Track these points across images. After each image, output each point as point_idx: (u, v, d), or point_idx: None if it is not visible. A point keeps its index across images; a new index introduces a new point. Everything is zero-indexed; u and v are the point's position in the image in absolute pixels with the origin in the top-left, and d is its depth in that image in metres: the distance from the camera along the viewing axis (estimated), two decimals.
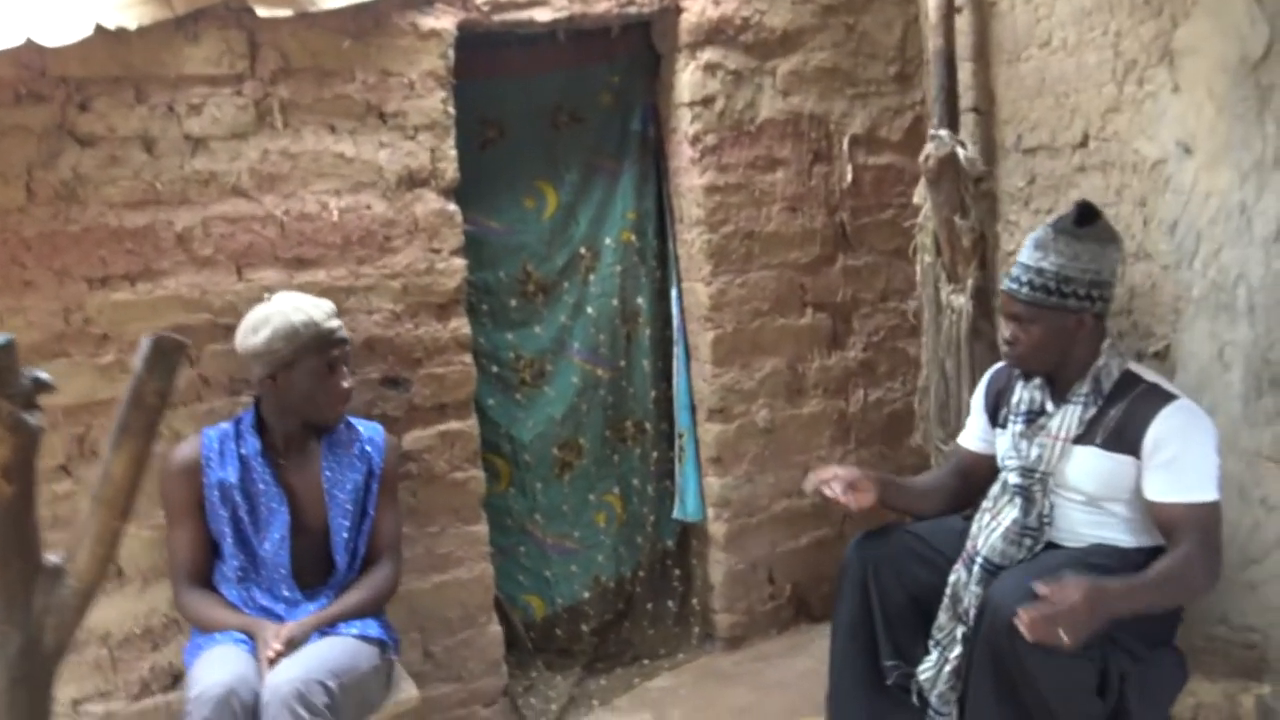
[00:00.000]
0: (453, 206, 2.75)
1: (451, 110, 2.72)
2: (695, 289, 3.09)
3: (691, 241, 3.07)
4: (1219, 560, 2.11)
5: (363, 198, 2.66)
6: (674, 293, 3.13)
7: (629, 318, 3.14)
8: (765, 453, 3.18)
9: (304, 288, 2.59)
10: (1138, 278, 2.62)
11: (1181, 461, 2.10)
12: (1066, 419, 2.24)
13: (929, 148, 2.62)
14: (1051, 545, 2.24)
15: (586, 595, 3.16)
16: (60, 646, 1.67)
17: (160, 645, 2.57)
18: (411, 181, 2.70)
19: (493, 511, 3.03)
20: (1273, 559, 2.39)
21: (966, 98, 3.00)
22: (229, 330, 2.51)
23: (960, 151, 2.63)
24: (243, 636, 2.28)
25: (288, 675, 2.07)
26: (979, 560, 2.23)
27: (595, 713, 2.93)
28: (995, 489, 2.33)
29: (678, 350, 3.13)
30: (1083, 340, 2.23)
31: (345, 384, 2.43)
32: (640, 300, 3.14)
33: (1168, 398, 2.16)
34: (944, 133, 2.64)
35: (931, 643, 2.30)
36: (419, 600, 2.82)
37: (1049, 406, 2.27)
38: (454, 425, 2.82)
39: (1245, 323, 2.38)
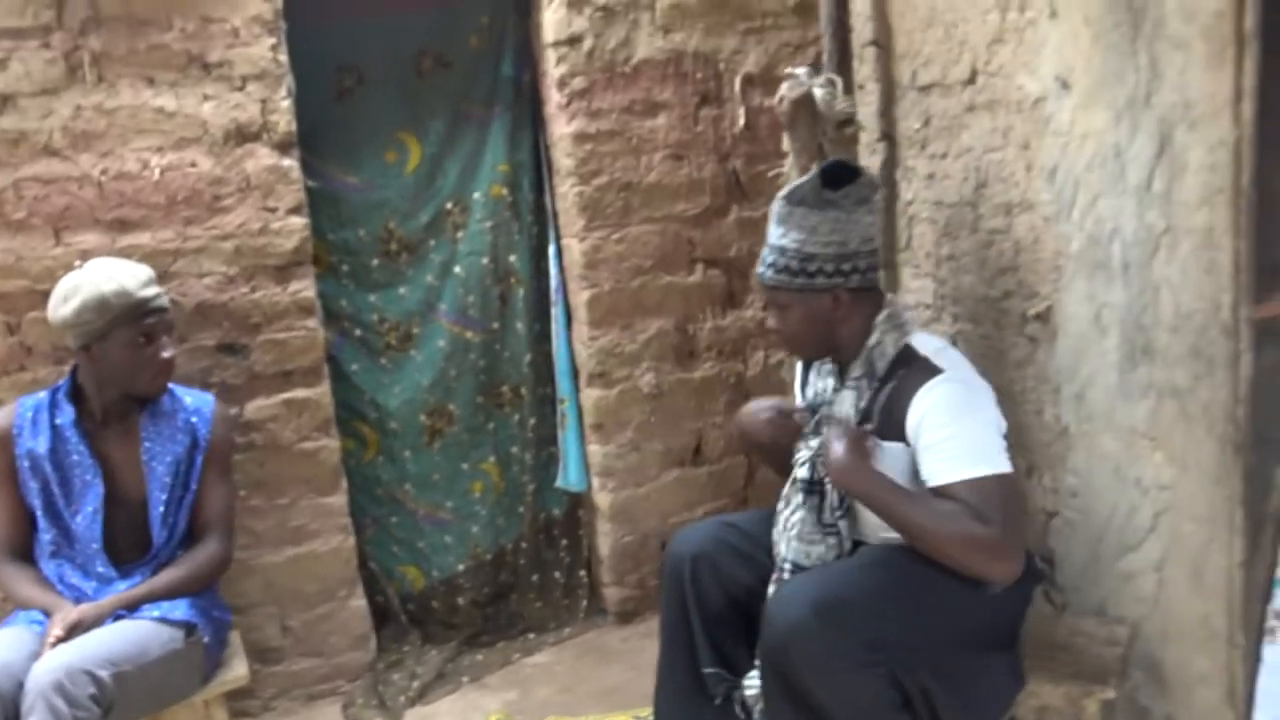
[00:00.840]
0: (289, 162, 2.60)
1: (283, 58, 2.56)
2: (570, 245, 2.90)
3: (565, 195, 2.88)
4: (1014, 539, 1.84)
5: (187, 155, 2.53)
6: (551, 250, 2.94)
7: (502, 277, 2.98)
8: (652, 420, 3.00)
9: (127, 251, 2.48)
10: (1021, 230, 2.35)
11: (950, 439, 1.86)
12: (844, 407, 2.01)
13: (782, 88, 2.37)
14: (860, 544, 2.02)
15: (462, 568, 3.05)
16: None
17: None
18: (241, 136, 2.56)
19: (363, 480, 2.95)
20: (1149, 545, 2.14)
21: (866, 30, 2.72)
22: (48, 297, 2.41)
23: (817, 92, 2.37)
24: (41, 617, 2.21)
25: (52, 664, 1.98)
26: (786, 566, 2.03)
27: (463, 690, 2.82)
28: (787, 487, 2.11)
29: (556, 311, 2.95)
30: (846, 319, 1.99)
31: (165, 354, 2.32)
32: (514, 259, 2.97)
33: (932, 372, 1.91)
34: (800, 71, 2.38)
35: (758, 657, 2.11)
36: (273, 574, 2.74)
37: (831, 393, 2.05)
38: (301, 393, 2.70)
39: (1120, 283, 2.11)
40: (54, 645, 2.07)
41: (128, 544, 2.36)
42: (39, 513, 2.32)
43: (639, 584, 3.07)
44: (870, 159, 2.80)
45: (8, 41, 2.39)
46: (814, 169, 2.04)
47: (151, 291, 2.31)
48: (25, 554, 2.35)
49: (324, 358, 2.73)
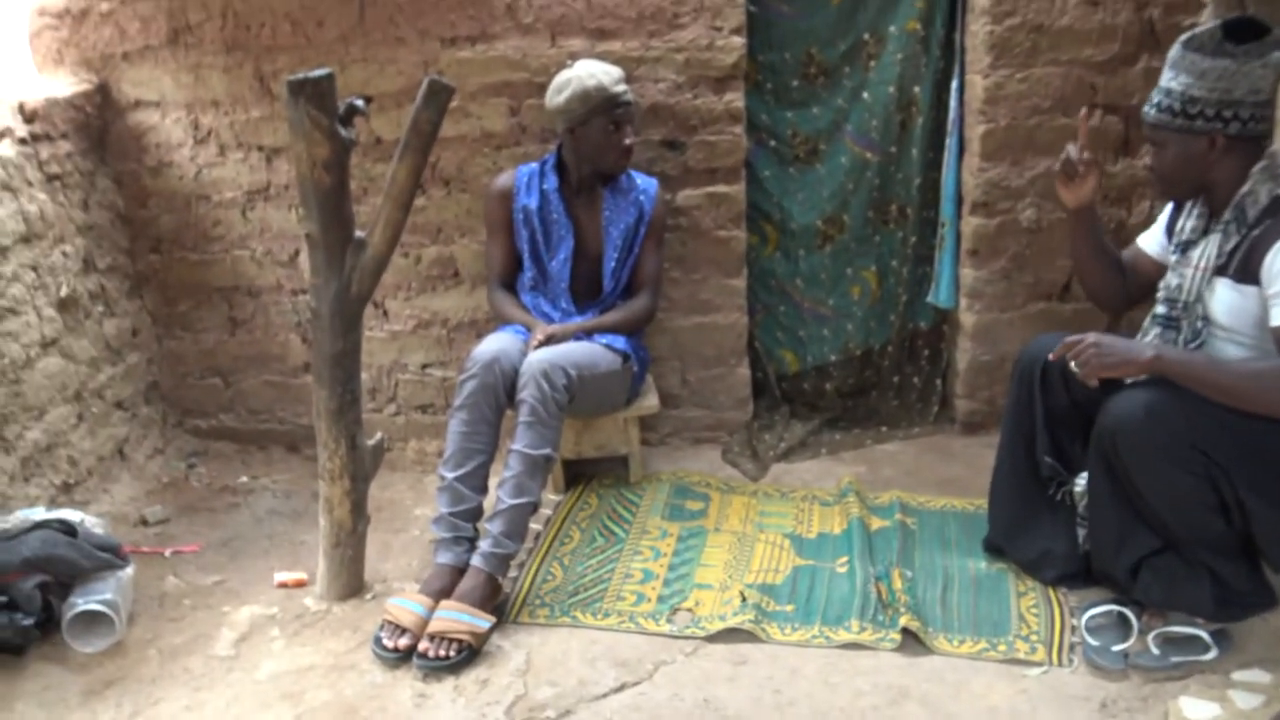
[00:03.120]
0: None
1: None
2: (974, 81, 3.12)
3: (976, 32, 3.08)
4: None
5: None
6: (954, 85, 3.18)
7: (905, 106, 3.25)
8: (1026, 251, 3.21)
9: (603, 55, 3.05)
10: None
11: None
12: (1208, 249, 2.14)
13: None
14: None
15: (833, 359, 3.50)
16: (362, 295, 2.39)
17: (483, 333, 3.30)
18: None
19: (760, 272, 3.43)
20: None
21: None
22: (542, 88, 3.06)
23: None
24: (522, 329, 2.94)
25: (541, 357, 2.67)
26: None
27: (820, 458, 3.31)
28: (1147, 319, 2.30)
29: (950, 142, 3.20)
30: (1221, 165, 2.09)
31: (627, 141, 2.90)
32: (918, 89, 3.23)
33: None
34: None
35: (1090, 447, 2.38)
36: (680, 335, 3.34)
37: (1200, 236, 2.18)
38: (722, 189, 3.21)
39: None
40: (535, 349, 2.77)
41: (586, 288, 3.03)
42: (525, 255, 3.03)
43: (989, 400, 3.36)
44: None
45: None
46: (1214, 21, 2.13)
47: (622, 89, 2.87)
48: (511, 286, 3.09)
49: (743, 161, 3.21)
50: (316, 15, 3.10)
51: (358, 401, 2.44)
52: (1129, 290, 2.48)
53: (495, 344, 2.73)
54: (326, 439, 2.44)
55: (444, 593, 2.41)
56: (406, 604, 2.36)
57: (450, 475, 2.56)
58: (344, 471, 2.45)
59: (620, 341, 2.92)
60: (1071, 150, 2.40)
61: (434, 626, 2.30)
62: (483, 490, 2.60)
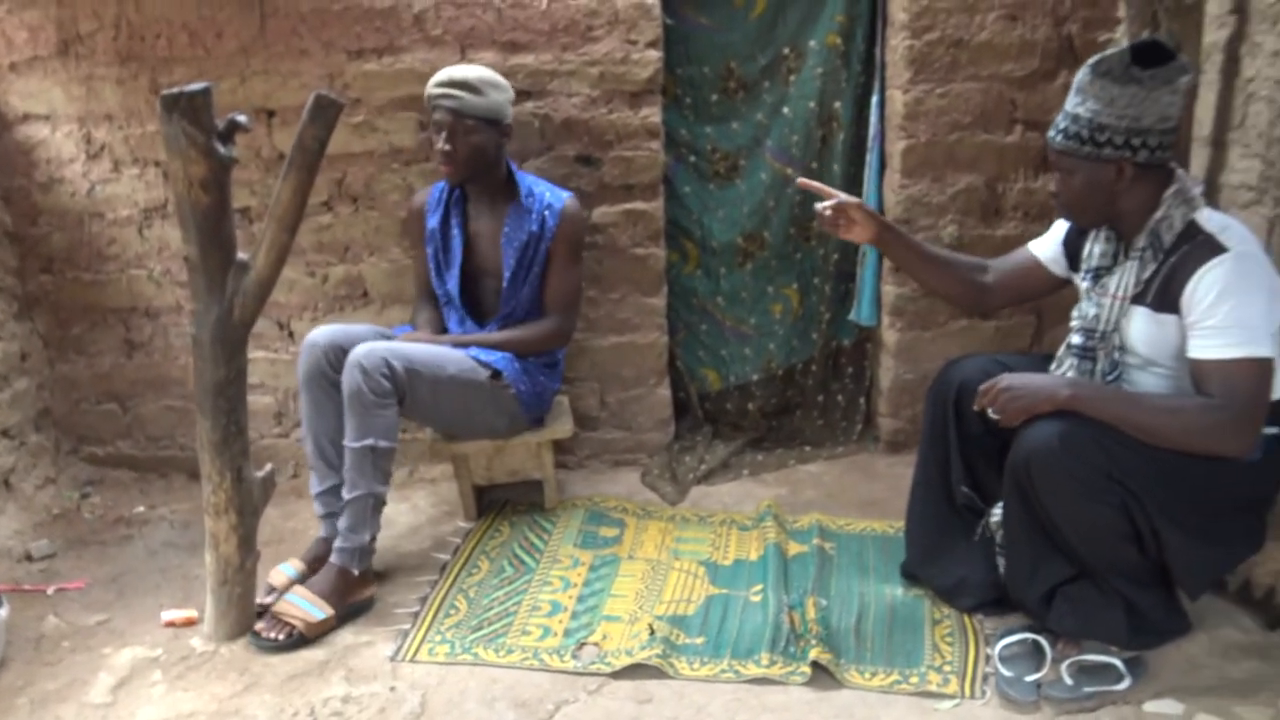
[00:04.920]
0: (651, 0, 2.95)
1: None
2: (894, 96, 3.08)
3: (895, 47, 3.04)
4: (1248, 422, 1.94)
5: None
6: (874, 100, 3.13)
7: (825, 121, 3.20)
8: None
9: (514, 69, 2.97)
10: None
11: (1216, 317, 1.93)
12: (1125, 277, 2.10)
13: None
14: None
15: (756, 378, 3.43)
16: (245, 320, 2.27)
17: None
18: None
19: (680, 289, 3.36)
20: None
21: None
22: None
23: None
24: (406, 329, 2.88)
25: (367, 347, 2.53)
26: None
27: (742, 480, 3.24)
28: (1061, 349, 2.26)
29: (871, 158, 3.16)
30: (1130, 193, 2.04)
31: (439, 147, 2.71)
32: (839, 105, 3.18)
33: (1216, 250, 1.95)
34: None
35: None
36: (598, 356, 3.26)
37: (1112, 263, 2.14)
38: (640, 205, 3.13)
39: None
40: None
41: (490, 307, 2.91)
42: (432, 273, 2.92)
43: (912, 419, 3.31)
44: (1216, 33, 2.74)
45: None
46: (1127, 41, 2.10)
47: (439, 91, 2.68)
48: (435, 300, 2.96)
49: (661, 177, 3.13)
50: (215, 26, 2.98)
51: (244, 432, 2.32)
52: (1001, 293, 2.44)
53: (330, 329, 2.66)
54: (210, 471, 2.31)
55: (320, 560, 2.60)
56: (284, 567, 2.62)
57: (310, 456, 2.64)
58: (230, 505, 2.32)
59: (495, 357, 2.76)
60: (820, 209, 2.36)
61: (276, 607, 2.43)
62: (338, 467, 2.61)
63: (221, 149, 2.12)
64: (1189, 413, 1.97)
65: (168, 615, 2.52)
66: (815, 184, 2.41)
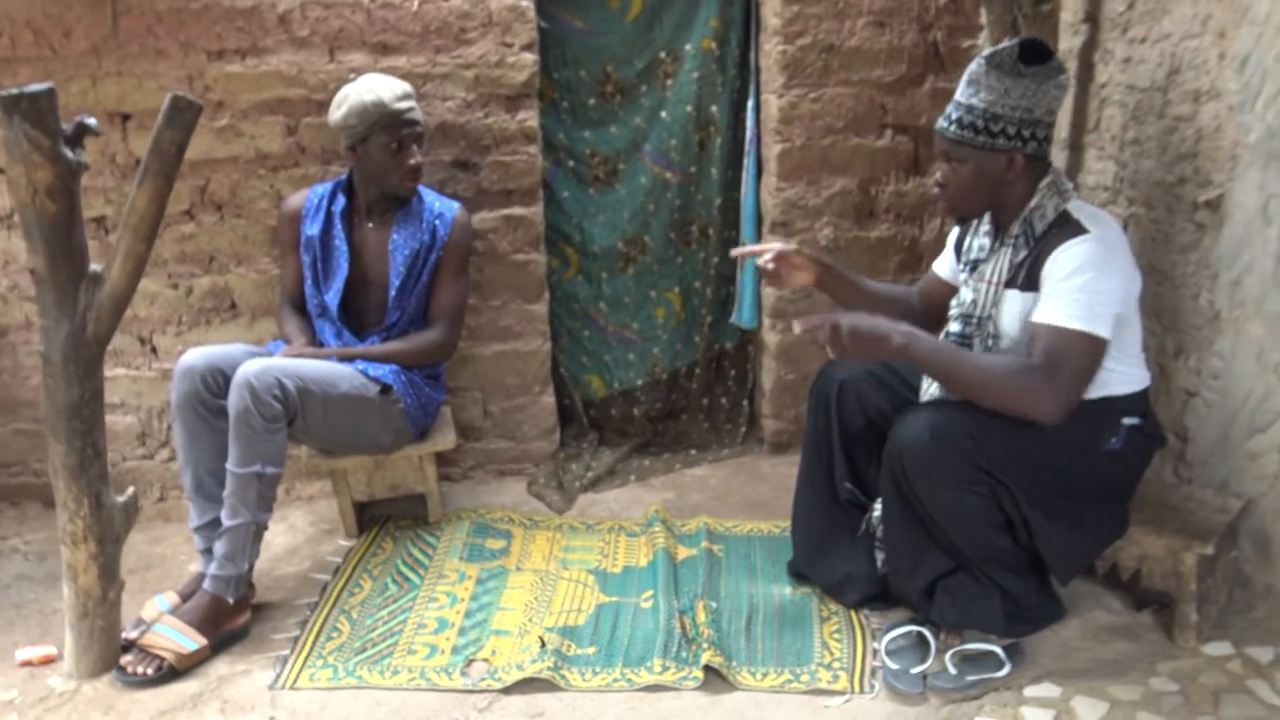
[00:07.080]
0: (526, 2, 2.92)
1: None
2: (769, 101, 3.11)
3: (769, 52, 3.07)
4: (1065, 392, 2.01)
5: None
6: (750, 104, 3.16)
7: (703, 126, 3.22)
8: None
9: (386, 72, 2.88)
10: (1205, 119, 2.41)
11: (1068, 288, 2.02)
12: (999, 263, 2.18)
13: None
14: None
15: (640, 383, 3.42)
16: (100, 336, 2.13)
17: None
18: None
19: (562, 296, 3.32)
20: (1276, 428, 2.27)
21: None
22: (321, 105, 2.86)
23: None
24: (281, 344, 2.75)
25: (254, 366, 2.43)
26: (928, 398, 2.26)
27: (629, 486, 3.22)
28: (940, 337, 2.32)
29: (748, 162, 3.19)
30: (1016, 181, 2.13)
31: (412, 161, 2.72)
32: (716, 109, 3.20)
33: (1077, 231, 2.06)
34: None
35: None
36: (480, 365, 3.19)
37: (989, 254, 2.22)
38: (519, 211, 3.08)
39: None
40: None
41: (372, 319, 2.82)
42: (307, 282, 2.81)
43: (795, 420, 3.36)
44: (1071, 40, 2.87)
45: None
46: (1007, 41, 2.17)
47: (405, 105, 2.69)
48: (302, 307, 2.86)
49: (540, 182, 3.09)
50: (63, 24, 2.80)
51: (102, 455, 2.18)
52: (925, 316, 2.49)
53: (206, 351, 2.54)
54: (66, 499, 2.17)
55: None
56: (159, 600, 2.49)
57: (187, 489, 2.51)
58: (89, 534, 2.18)
59: (382, 370, 2.69)
60: (761, 264, 2.38)
61: (144, 640, 2.30)
62: (220, 500, 2.45)
63: (70, 153, 1.98)
64: (1008, 371, 2.04)
65: (23, 654, 2.35)
66: (748, 249, 2.44)
